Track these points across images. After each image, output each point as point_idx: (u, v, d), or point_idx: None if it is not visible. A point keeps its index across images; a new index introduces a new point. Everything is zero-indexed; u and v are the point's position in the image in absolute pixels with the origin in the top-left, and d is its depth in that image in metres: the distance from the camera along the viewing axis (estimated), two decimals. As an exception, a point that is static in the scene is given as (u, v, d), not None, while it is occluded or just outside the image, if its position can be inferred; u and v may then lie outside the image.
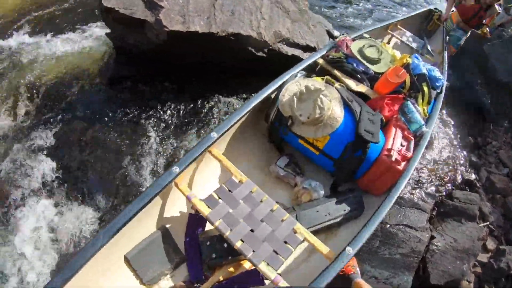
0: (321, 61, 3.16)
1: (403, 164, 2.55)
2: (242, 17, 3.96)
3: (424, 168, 4.00)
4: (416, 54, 3.31)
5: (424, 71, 3.09)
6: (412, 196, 3.58)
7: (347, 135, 2.52)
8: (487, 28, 5.15)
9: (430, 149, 4.28)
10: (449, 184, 3.96)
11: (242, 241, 2.09)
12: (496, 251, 3.49)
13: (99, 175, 3.28)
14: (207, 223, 2.26)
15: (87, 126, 3.60)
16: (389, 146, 2.60)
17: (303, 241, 2.20)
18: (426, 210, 3.42)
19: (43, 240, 2.81)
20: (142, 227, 2.22)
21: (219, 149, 2.55)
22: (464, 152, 4.45)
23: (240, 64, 4.15)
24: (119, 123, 3.67)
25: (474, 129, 4.94)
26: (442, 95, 3.30)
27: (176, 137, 3.68)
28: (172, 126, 3.77)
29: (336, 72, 3.06)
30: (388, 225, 3.18)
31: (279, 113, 2.62)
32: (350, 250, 2.07)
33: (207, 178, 2.59)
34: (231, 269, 2.25)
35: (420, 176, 3.89)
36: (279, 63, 3.74)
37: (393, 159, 2.53)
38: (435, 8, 4.99)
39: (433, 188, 3.82)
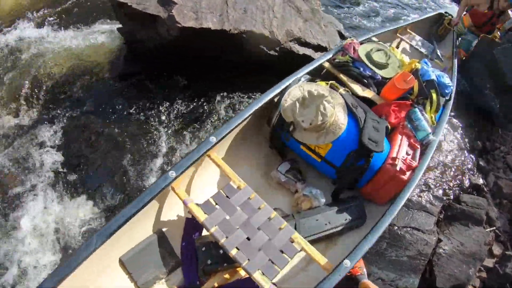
0: (327, 64, 2.97)
1: (408, 173, 2.37)
2: (254, 15, 3.83)
3: (432, 171, 3.83)
4: (426, 60, 3.08)
5: (433, 77, 2.86)
6: (420, 198, 3.43)
7: (350, 143, 2.34)
8: (498, 33, 4.85)
9: (439, 152, 4.08)
10: (456, 188, 3.79)
11: (238, 249, 1.96)
12: (501, 256, 3.33)
13: (104, 170, 3.17)
14: (204, 228, 2.13)
15: (94, 121, 3.48)
16: (394, 155, 2.41)
17: (300, 250, 2.06)
18: (433, 213, 3.29)
19: (46, 234, 2.72)
20: (138, 230, 2.12)
21: (219, 152, 2.41)
22: (472, 156, 4.23)
23: (251, 62, 4.00)
24: (126, 119, 3.55)
25: (483, 134, 4.68)
26: (451, 102, 3.07)
27: (183, 135, 3.55)
28: (180, 124, 3.64)
29: (342, 76, 2.87)
30: (396, 227, 3.06)
31: (281, 118, 2.45)
32: (348, 263, 1.92)
33: (207, 182, 2.46)
34: (227, 275, 2.12)
35: (428, 179, 3.72)
36: (290, 62, 3.60)
37: (398, 168, 2.35)
38: (446, 12, 4.69)
39: (441, 191, 3.65)
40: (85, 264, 1.73)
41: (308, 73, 2.78)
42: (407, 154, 2.48)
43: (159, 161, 3.31)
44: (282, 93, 2.53)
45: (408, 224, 3.11)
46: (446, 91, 2.96)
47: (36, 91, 3.64)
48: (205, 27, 3.45)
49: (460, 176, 3.92)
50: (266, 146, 2.76)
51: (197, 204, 2.08)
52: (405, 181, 2.33)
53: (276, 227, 2.07)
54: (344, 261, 1.92)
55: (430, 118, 2.75)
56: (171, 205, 2.23)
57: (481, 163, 4.20)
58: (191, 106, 3.77)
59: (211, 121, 3.69)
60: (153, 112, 3.66)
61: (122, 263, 2.03)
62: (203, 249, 2.11)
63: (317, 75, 2.92)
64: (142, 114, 3.62)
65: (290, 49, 3.98)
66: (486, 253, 3.25)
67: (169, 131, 3.54)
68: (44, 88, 3.69)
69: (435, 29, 4.63)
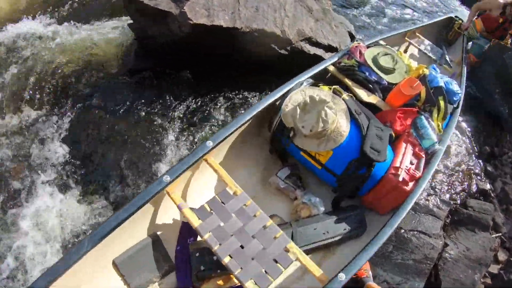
0: (332, 68, 2.77)
1: (411, 184, 2.18)
2: (266, 14, 3.68)
3: (439, 175, 3.68)
4: (434, 65, 2.85)
5: (442, 84, 2.65)
6: (427, 202, 3.30)
7: (352, 151, 2.16)
8: (511, 39, 4.57)
9: (447, 156, 3.91)
10: (463, 193, 3.63)
11: (231, 257, 1.84)
12: (506, 263, 3.20)
13: (109, 166, 3.06)
14: (199, 233, 2.02)
15: (102, 116, 3.37)
16: (397, 164, 2.22)
17: (296, 260, 1.91)
18: (440, 217, 3.18)
19: (49, 228, 2.63)
20: (133, 233, 2.01)
21: (217, 156, 2.28)
22: (480, 161, 4.05)
23: (262, 61, 3.84)
24: (135, 115, 3.43)
25: (491, 139, 4.48)
26: (459, 110, 2.85)
27: (191, 133, 3.42)
28: (189, 122, 3.51)
29: (347, 81, 2.67)
30: (403, 230, 2.94)
31: (281, 123, 2.28)
32: (343, 277, 1.78)
33: (204, 187, 2.32)
34: (220, 282, 1.99)
35: (435, 183, 3.58)
36: (301, 62, 3.45)
37: (400, 178, 2.16)
38: (456, 16, 4.40)
39: (448, 196, 3.51)
40: (79, 265, 1.65)
41: (312, 77, 2.60)
42: (411, 163, 2.28)
43: (166, 159, 3.19)
44: (284, 96, 2.37)
45: (414, 227, 3.01)
46: (454, 98, 2.75)
47: (45, 85, 3.54)
48: (216, 25, 3.33)
49: (467, 181, 3.76)
50: (266, 151, 2.60)
51: (191, 209, 1.95)
52: (408, 192, 2.15)
53: (271, 235, 1.93)
54: (339, 274, 1.78)
55: (437, 126, 2.55)
56: (166, 208, 2.12)
57: (489, 168, 4.03)
58: (202, 104, 3.64)
59: (222, 120, 3.56)
60: (162, 109, 3.52)
61: (115, 265, 1.93)
62: (197, 254, 2.00)
63: (321, 78, 2.74)
64: (150, 110, 3.49)
65: (301, 49, 3.82)
66: (492, 259, 3.13)
67: (178, 129, 3.41)
68: (53, 82, 3.58)
69: (444, 33, 4.37)
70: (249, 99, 3.79)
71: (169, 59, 3.82)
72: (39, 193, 2.79)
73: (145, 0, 3.29)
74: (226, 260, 1.81)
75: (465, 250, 3.01)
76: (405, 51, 3.75)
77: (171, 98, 3.61)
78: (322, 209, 2.28)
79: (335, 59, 2.85)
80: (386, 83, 2.72)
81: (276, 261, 1.85)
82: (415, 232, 2.97)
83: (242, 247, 1.87)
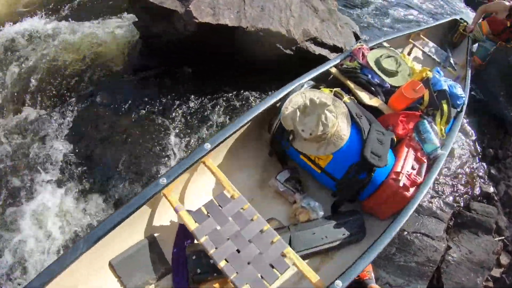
0: (334, 70, 2.68)
1: (411, 190, 2.10)
2: (271, 14, 3.61)
3: (443, 178, 3.60)
4: (438, 68, 2.74)
5: (445, 87, 2.54)
6: (430, 204, 3.23)
7: (352, 155, 2.08)
8: None
9: (450, 158, 3.82)
10: (467, 195, 3.55)
11: (227, 261, 1.78)
12: (509, 266, 3.13)
13: (111, 164, 3.01)
14: (196, 236, 1.97)
15: (106, 114, 3.32)
16: (398, 169, 2.13)
17: (292, 265, 1.84)
18: (443, 219, 3.11)
19: (50, 226, 2.60)
20: (130, 235, 1.97)
21: (216, 158, 2.22)
22: (484, 164, 3.95)
23: (268, 61, 3.75)
24: (138, 114, 3.38)
25: (495, 141, 4.35)
26: (462, 114, 2.74)
27: (195, 132, 3.36)
28: (193, 121, 3.45)
29: (349, 83, 2.59)
30: (406, 232, 2.89)
31: (281, 126, 2.20)
32: (340, 284, 1.71)
33: (202, 189, 2.26)
34: (216, 285, 1.93)
35: (439, 185, 3.50)
36: (306, 62, 3.34)
37: (401, 184, 2.07)
38: (461, 18, 4.25)
39: (451, 198, 3.43)
40: (75, 265, 1.62)
41: (313, 79, 2.52)
42: (413, 168, 2.19)
43: (166, 160, 3.13)
44: (284, 98, 2.29)
45: (418, 229, 2.95)
46: (458, 102, 2.64)
47: (47, 83, 3.50)
48: (222, 24, 3.28)
49: (471, 183, 3.67)
50: (266, 153, 2.53)
51: (188, 212, 1.90)
52: (408, 198, 2.07)
53: (268, 240, 1.87)
54: (336, 281, 1.71)
55: (440, 130, 2.45)
56: (163, 210, 2.06)
57: (493, 171, 3.93)
58: (205, 104, 3.57)
59: (223, 121, 3.48)
60: (165, 108, 3.46)
61: (112, 266, 1.89)
62: (194, 257, 1.94)
63: (323, 80, 2.65)
64: (153, 109, 3.43)
65: (307, 49, 3.75)
66: (494, 263, 3.06)
67: (181, 129, 3.35)
68: (58, 79, 3.54)
69: (449, 35, 4.24)
70: (252, 99, 3.71)
71: (174, 58, 3.77)
72: (39, 191, 2.76)
73: (150, -2, 3.23)
74: (222, 264, 1.76)
75: (468, 253, 2.95)
76: (409, 53, 3.64)
77: (175, 98, 3.55)
78: (321, 213, 2.20)
79: (337, 61, 2.76)
80: (389, 86, 2.63)
81: (272, 266, 1.79)
82: (418, 234, 2.91)
83: (238, 251, 1.81)
